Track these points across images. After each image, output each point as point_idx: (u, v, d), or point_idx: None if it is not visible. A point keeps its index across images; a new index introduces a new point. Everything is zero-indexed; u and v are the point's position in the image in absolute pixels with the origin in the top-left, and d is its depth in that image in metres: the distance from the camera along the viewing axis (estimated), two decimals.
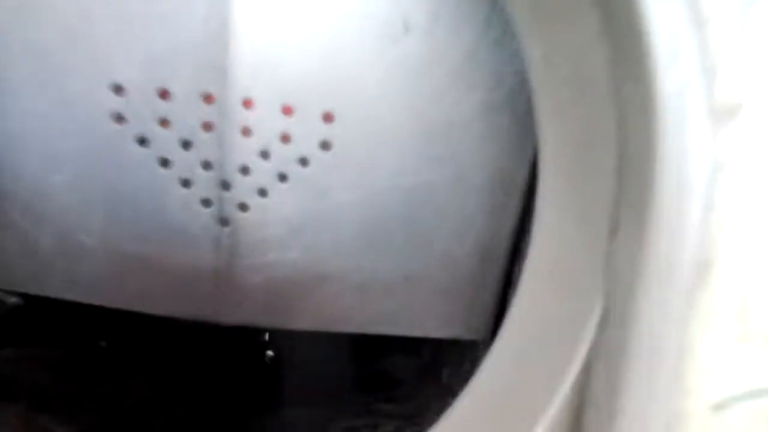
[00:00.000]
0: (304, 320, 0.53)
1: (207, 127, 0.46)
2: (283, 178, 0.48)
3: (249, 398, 0.80)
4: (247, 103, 0.46)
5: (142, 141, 0.47)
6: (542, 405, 0.31)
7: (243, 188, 0.48)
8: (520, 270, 0.50)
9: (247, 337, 0.85)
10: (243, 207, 0.49)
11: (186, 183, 0.48)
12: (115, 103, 0.45)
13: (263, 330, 0.85)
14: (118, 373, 0.71)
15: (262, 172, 0.48)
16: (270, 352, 0.83)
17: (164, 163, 0.47)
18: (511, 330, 0.35)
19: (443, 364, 0.77)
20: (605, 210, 0.30)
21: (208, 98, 0.46)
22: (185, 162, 0.47)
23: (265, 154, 0.47)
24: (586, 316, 0.30)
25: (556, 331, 0.32)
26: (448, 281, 0.50)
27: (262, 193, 0.49)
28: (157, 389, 0.71)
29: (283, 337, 0.84)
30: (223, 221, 0.50)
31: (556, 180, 0.34)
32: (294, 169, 0.47)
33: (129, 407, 0.63)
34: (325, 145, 0.46)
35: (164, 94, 0.45)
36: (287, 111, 0.46)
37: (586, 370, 0.31)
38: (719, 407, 0.28)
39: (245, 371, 0.83)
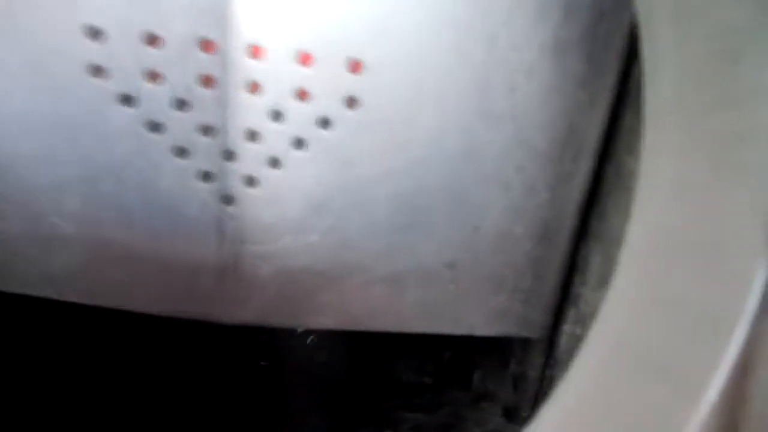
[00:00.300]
0: (325, 318, 0.45)
1: (206, 82, 0.38)
2: (299, 144, 0.39)
3: (252, 410, 0.72)
4: (255, 52, 0.37)
5: (127, 100, 0.38)
6: (675, 421, 0.23)
7: (251, 158, 0.40)
8: (587, 253, 0.41)
9: (247, 339, 0.77)
10: (251, 181, 0.41)
11: (181, 152, 0.40)
12: (92, 51, 0.36)
13: (265, 330, 0.77)
14: (106, 385, 0.62)
15: (274, 138, 0.39)
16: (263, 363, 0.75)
17: (154, 127, 0.39)
18: (616, 318, 0.27)
19: (473, 366, 0.69)
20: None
21: (207, 46, 0.37)
22: (180, 126, 0.39)
23: (277, 115, 0.39)
24: (742, 295, 0.22)
25: (693, 318, 0.23)
26: (500, 268, 0.41)
27: (274, 163, 0.40)
28: (151, 404, 0.63)
29: (282, 338, 0.77)
30: (227, 199, 0.41)
31: (680, 114, 0.25)
32: (313, 133, 0.39)
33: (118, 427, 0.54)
34: (351, 102, 0.38)
35: (152, 41, 0.36)
36: (304, 60, 0.37)
37: (743, 371, 0.22)
38: None
39: (245, 378, 0.75)
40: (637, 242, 0.27)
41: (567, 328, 0.42)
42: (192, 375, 0.69)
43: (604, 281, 0.38)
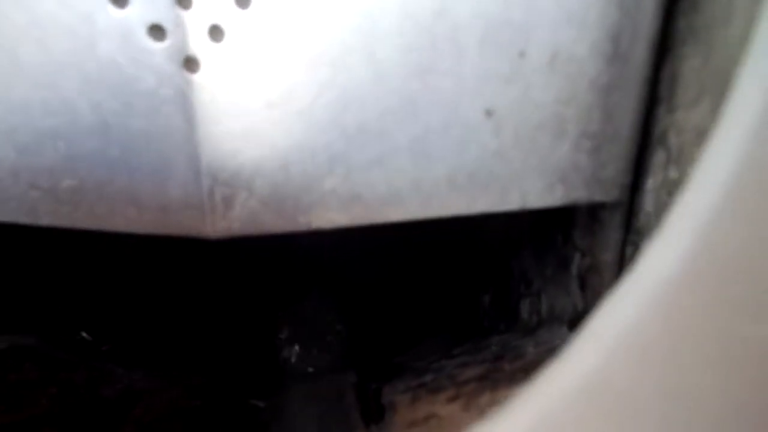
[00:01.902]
0: (332, 212, 0.34)
1: None
2: None
3: (264, 376, 0.63)
4: None
5: None
6: None
7: None
8: (676, 64, 0.31)
9: (262, 302, 0.69)
10: (216, 32, 0.31)
11: None
12: None
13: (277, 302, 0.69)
14: (106, 374, 0.53)
15: None
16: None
17: None
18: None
19: (517, 295, 0.59)
20: None
21: None
22: None
23: None
24: None
25: None
26: (558, 107, 0.31)
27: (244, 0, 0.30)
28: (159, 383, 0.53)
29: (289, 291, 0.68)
30: (190, 62, 0.31)
31: None
32: None
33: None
34: None
35: None
36: None
37: None
38: None
39: (257, 343, 0.67)
40: None
41: (653, 180, 0.32)
42: (196, 359, 0.60)
43: (705, 93, 0.28)
